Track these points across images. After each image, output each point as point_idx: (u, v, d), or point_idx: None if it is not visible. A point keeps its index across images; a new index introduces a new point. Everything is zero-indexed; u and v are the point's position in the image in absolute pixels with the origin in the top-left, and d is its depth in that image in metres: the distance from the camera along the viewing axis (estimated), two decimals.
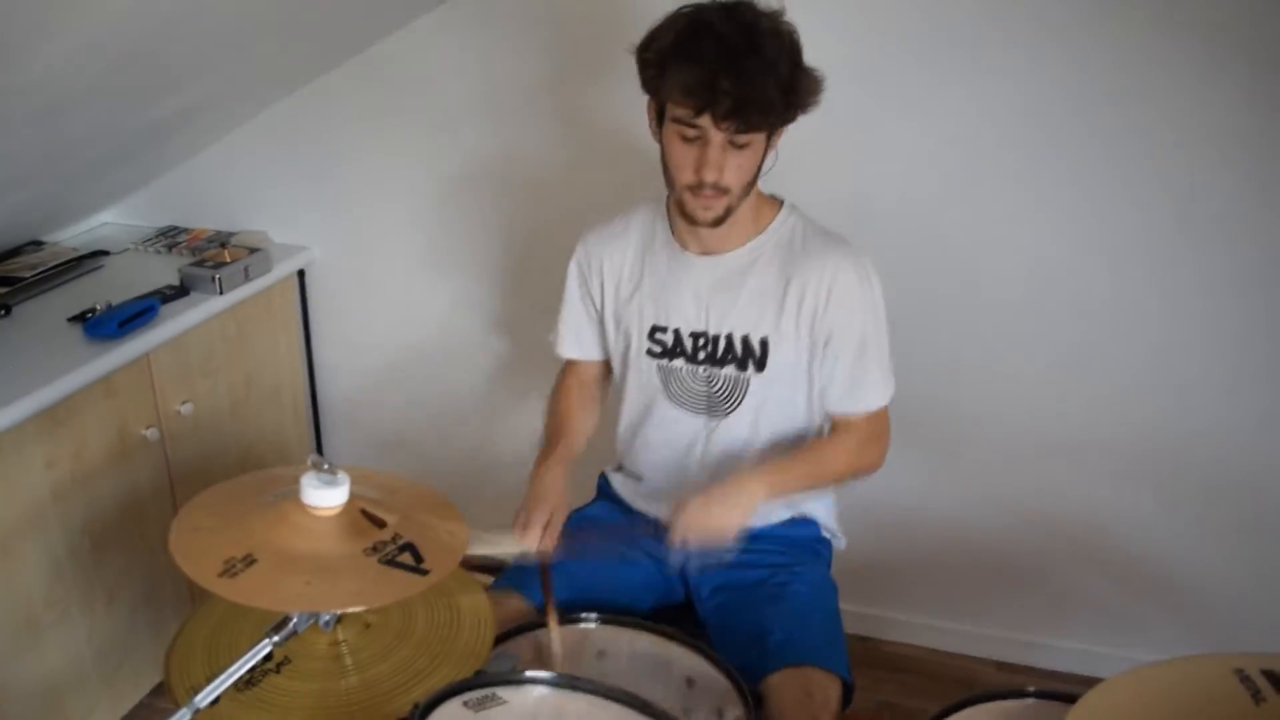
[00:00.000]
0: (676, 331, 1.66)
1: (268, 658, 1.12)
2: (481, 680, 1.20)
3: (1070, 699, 1.40)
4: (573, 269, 1.76)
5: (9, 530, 1.86)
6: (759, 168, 1.51)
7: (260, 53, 2.07)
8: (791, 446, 1.70)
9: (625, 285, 1.71)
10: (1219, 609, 2.32)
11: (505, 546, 1.60)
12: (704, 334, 1.64)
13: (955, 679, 2.46)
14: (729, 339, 1.63)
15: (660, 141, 1.53)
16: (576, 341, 1.81)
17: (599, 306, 1.76)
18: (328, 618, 1.18)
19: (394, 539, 1.13)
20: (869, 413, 1.66)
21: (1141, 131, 1.97)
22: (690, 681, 1.53)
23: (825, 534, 1.81)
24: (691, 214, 1.53)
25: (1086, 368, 2.18)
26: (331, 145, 2.47)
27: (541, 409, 2.55)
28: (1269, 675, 0.99)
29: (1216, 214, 2.00)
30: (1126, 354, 2.15)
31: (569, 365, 1.87)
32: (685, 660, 1.55)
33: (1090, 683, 2.37)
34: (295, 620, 1.08)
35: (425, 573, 1.10)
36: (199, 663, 1.25)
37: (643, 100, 1.53)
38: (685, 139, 1.46)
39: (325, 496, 1.10)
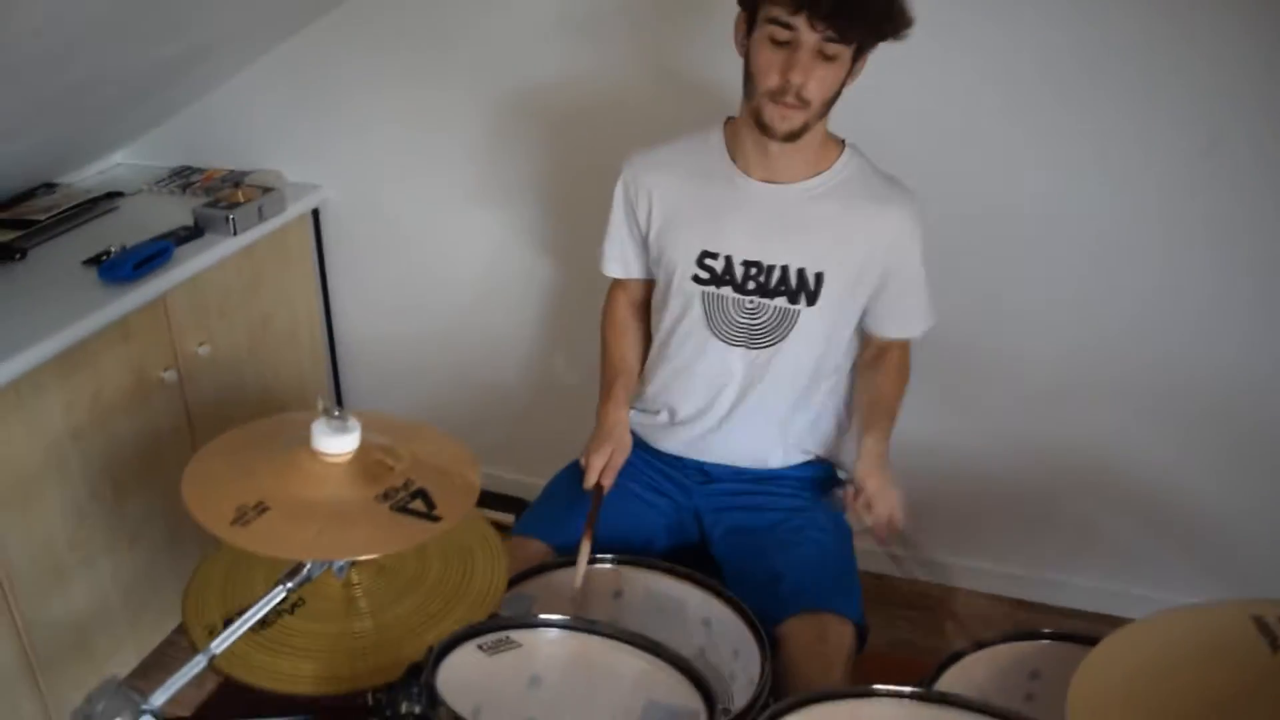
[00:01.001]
0: (729, 259, 1.63)
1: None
2: (496, 623, 1.21)
3: (1085, 640, 1.42)
4: (619, 191, 1.73)
5: (31, 474, 1.87)
6: (838, 89, 1.50)
7: None
8: (825, 379, 1.73)
9: (675, 208, 1.67)
10: (1238, 547, 2.31)
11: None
12: (757, 263, 1.62)
13: (973, 617, 2.45)
14: (784, 270, 1.61)
15: (746, 53, 1.51)
16: (621, 261, 1.80)
17: (644, 229, 1.72)
18: (341, 564, 1.19)
19: (406, 485, 1.13)
20: (908, 338, 1.74)
21: (1158, 70, 1.93)
22: (707, 622, 1.54)
23: (841, 474, 1.81)
24: (769, 123, 1.50)
25: (1103, 305, 2.16)
26: (343, 83, 2.44)
27: (559, 351, 2.57)
28: None
29: (1233, 153, 1.95)
30: (1144, 291, 2.12)
31: (617, 285, 1.86)
32: (702, 602, 1.55)
33: (1107, 620, 2.41)
34: (309, 566, 1.08)
35: (437, 519, 1.10)
36: (215, 603, 1.27)
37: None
38: (775, 42, 1.44)
39: (336, 443, 1.10)
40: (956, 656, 1.42)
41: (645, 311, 1.85)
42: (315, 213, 2.60)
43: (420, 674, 1.12)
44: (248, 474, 1.14)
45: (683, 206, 1.66)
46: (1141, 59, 1.93)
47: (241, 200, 2.32)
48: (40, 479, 1.89)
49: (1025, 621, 2.42)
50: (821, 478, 1.79)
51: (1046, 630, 1.45)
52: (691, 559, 1.73)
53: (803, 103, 1.47)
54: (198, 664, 1.00)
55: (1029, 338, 2.23)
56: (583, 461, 1.67)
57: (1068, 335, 2.21)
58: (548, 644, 1.24)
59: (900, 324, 1.71)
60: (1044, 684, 1.44)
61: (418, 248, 2.61)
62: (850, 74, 1.50)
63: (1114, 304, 2.15)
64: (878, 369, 1.73)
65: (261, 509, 1.08)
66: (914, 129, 2.09)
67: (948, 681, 1.40)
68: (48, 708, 1.98)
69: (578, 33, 2.22)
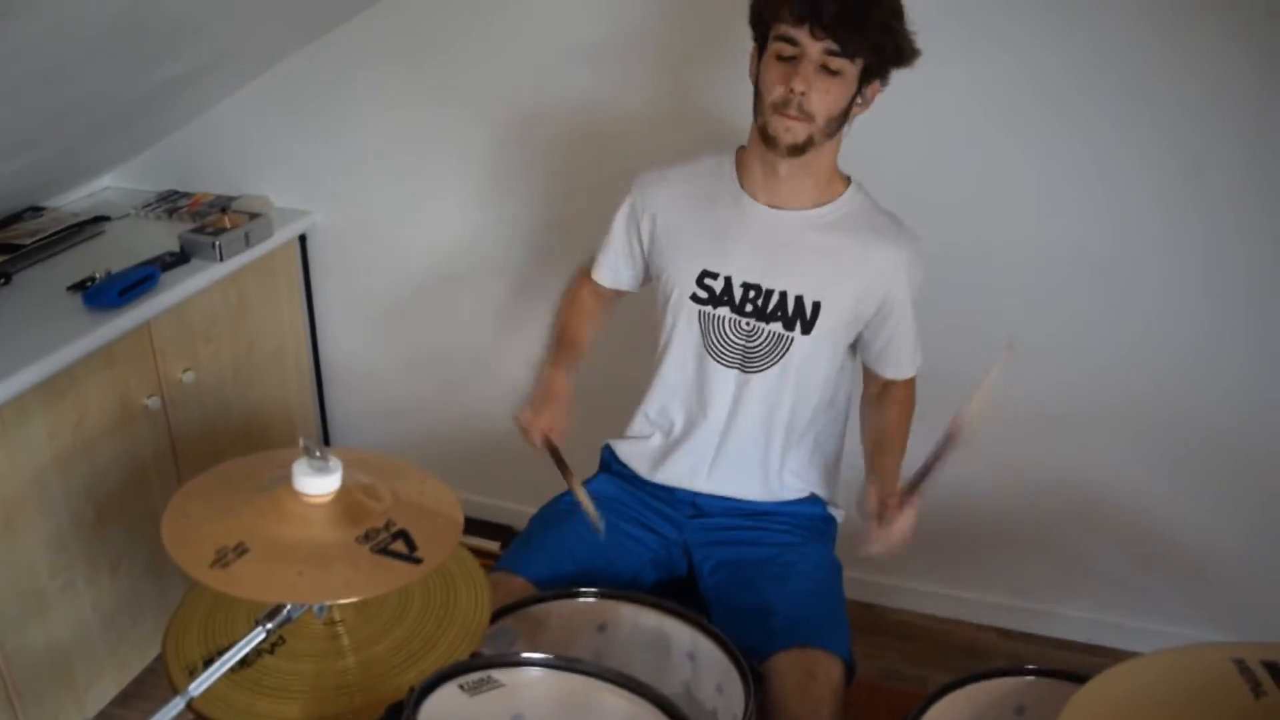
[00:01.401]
0: (728, 279, 1.64)
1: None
2: (477, 663, 1.20)
3: (1070, 676, 1.42)
4: (625, 207, 1.75)
5: (12, 501, 1.86)
6: (845, 110, 1.53)
7: (260, 12, 2.03)
8: (816, 410, 1.73)
9: (679, 227, 1.69)
10: (1225, 580, 2.31)
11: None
12: (756, 286, 1.63)
13: (959, 646, 2.46)
14: (782, 296, 1.62)
15: (757, 78, 1.55)
16: (612, 271, 1.81)
17: (645, 246, 1.74)
18: (320, 606, 1.18)
19: (387, 526, 1.12)
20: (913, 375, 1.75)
21: (1150, 96, 1.94)
22: (691, 656, 1.53)
23: (831, 511, 1.81)
24: (774, 134, 1.52)
25: (1093, 334, 2.16)
26: (333, 109, 2.44)
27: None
28: (1269, 667, 0.98)
29: (1225, 180, 1.96)
30: (1133, 320, 2.13)
31: (589, 279, 1.85)
32: (687, 636, 1.54)
33: (1096, 651, 2.40)
34: (289, 607, 1.07)
35: (419, 561, 1.09)
36: (196, 642, 1.25)
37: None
38: (781, 58, 1.49)
39: (317, 484, 1.09)
40: (942, 692, 1.41)
41: (608, 306, 1.87)
42: (302, 238, 2.59)
43: (401, 715, 1.11)
44: (228, 514, 1.13)
45: (687, 225, 1.68)
46: (1133, 83, 1.94)
47: (228, 226, 2.32)
48: (22, 506, 1.88)
49: (1013, 651, 2.43)
50: (814, 515, 1.78)
51: (1031, 666, 1.45)
52: (679, 594, 1.72)
53: (806, 115, 1.49)
54: (175, 706, 0.98)
55: (1018, 366, 2.23)
56: (521, 419, 1.67)
57: (1058, 364, 2.21)
58: (531, 683, 1.23)
59: (896, 364, 1.72)
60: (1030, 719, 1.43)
61: (406, 274, 2.61)
62: (859, 98, 1.54)
63: (1106, 333, 2.16)
64: (882, 406, 1.75)
65: (241, 550, 1.06)
66: (902, 154, 2.10)
67: (933, 717, 1.39)
68: None
69: (575, 58, 2.23)
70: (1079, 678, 1.41)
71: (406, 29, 2.30)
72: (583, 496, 1.59)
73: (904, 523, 1.55)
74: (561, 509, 1.78)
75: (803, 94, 1.48)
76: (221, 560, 1.05)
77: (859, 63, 1.48)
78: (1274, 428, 2.14)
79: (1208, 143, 1.94)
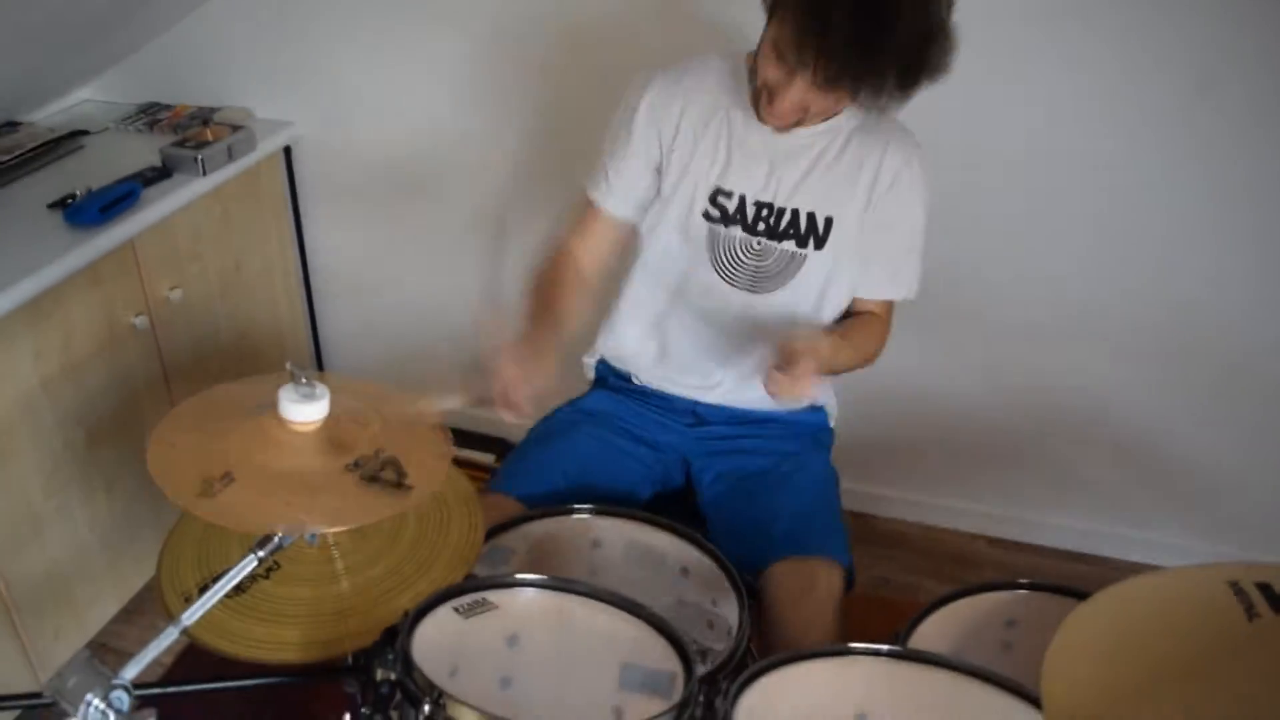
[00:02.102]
0: (742, 198, 1.59)
1: None
2: (471, 585, 1.20)
3: (1060, 590, 1.43)
4: (642, 111, 1.59)
5: (1, 424, 1.84)
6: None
7: None
8: (827, 317, 1.67)
9: (697, 139, 1.59)
10: (1212, 490, 2.34)
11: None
12: (769, 205, 1.58)
13: (949, 555, 2.49)
14: (794, 214, 1.57)
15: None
16: (625, 196, 1.64)
17: (662, 157, 1.62)
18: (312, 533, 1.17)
19: (376, 454, 1.11)
20: (888, 302, 1.67)
21: (1146, 25, 1.89)
22: (685, 571, 1.54)
23: (831, 421, 1.81)
24: (763, 119, 1.48)
25: (1087, 249, 2.14)
26: (315, 13, 2.37)
27: None
28: (1263, 588, 0.97)
29: (1232, 98, 1.92)
30: (1127, 236, 2.11)
31: (593, 220, 1.67)
32: (680, 550, 1.55)
33: (1084, 559, 2.43)
34: (280, 534, 1.06)
35: (408, 489, 1.08)
36: (190, 568, 1.26)
37: None
38: (779, 56, 1.37)
39: (303, 411, 1.07)
40: (934, 606, 1.43)
41: (607, 260, 1.72)
42: (287, 150, 2.54)
43: (396, 638, 1.12)
44: (214, 441, 1.12)
45: (705, 137, 1.58)
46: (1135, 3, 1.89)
47: (210, 139, 2.27)
48: (11, 429, 1.87)
49: (1003, 560, 2.46)
50: (816, 424, 1.78)
51: (1023, 580, 1.46)
52: (675, 505, 1.73)
53: (796, 121, 1.46)
54: (169, 635, 0.98)
55: (1009, 282, 2.22)
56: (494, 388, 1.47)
57: (1049, 280, 2.20)
58: (524, 603, 1.24)
59: (894, 281, 1.64)
60: (1020, 632, 1.45)
61: (392, 184, 2.56)
62: None
63: (1095, 248, 2.13)
64: (858, 318, 1.67)
65: (228, 479, 1.05)
66: None
67: (925, 631, 1.40)
68: (30, 659, 1.98)
69: None
70: (1069, 592, 1.43)
71: None
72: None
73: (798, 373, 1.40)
74: (555, 425, 1.77)
75: (794, 119, 1.44)
76: (208, 490, 1.04)
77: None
78: (1272, 347, 2.13)
79: (1215, 60, 1.89)
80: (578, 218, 1.70)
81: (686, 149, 1.60)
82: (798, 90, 1.38)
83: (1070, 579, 2.35)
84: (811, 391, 1.42)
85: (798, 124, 1.47)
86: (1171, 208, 2.06)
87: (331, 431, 1.11)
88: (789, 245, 1.59)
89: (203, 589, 1.20)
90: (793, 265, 1.60)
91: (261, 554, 1.04)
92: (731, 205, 1.59)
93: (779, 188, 1.57)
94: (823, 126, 1.55)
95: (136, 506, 2.19)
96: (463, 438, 2.79)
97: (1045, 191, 2.10)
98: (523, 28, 2.23)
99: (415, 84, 2.40)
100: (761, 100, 1.46)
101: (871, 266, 1.63)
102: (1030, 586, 1.45)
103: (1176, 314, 2.15)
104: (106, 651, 2.17)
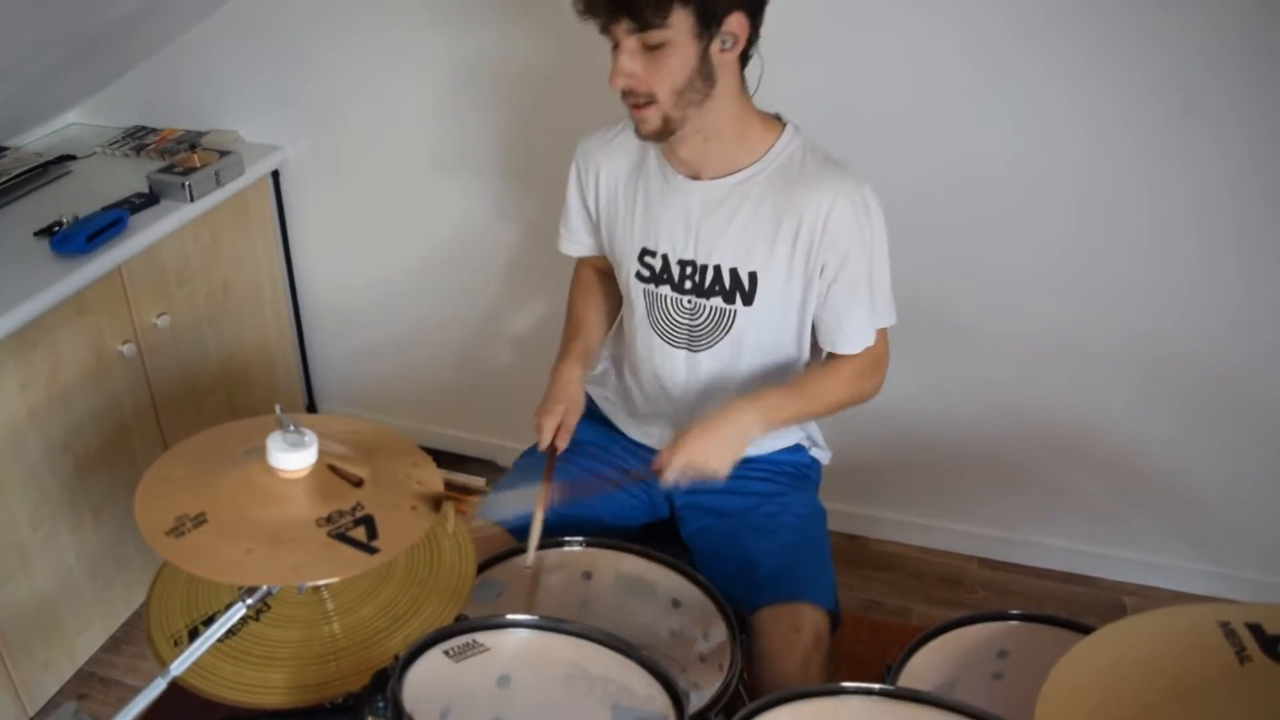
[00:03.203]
0: (665, 257, 1.58)
1: None
2: (462, 627, 1.19)
3: (1052, 621, 1.43)
4: (572, 174, 1.68)
5: None
6: (699, 70, 1.38)
7: None
8: (776, 379, 1.65)
9: (620, 200, 1.62)
10: (1204, 511, 2.34)
11: (521, 504, 1.57)
12: (692, 263, 1.57)
13: (941, 577, 2.49)
14: (717, 270, 1.55)
15: None
16: (579, 244, 1.76)
17: (594, 215, 1.68)
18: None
19: (353, 510, 1.09)
20: (861, 352, 1.60)
21: (1134, 30, 1.88)
22: (676, 603, 1.54)
23: (814, 455, 1.79)
24: (636, 128, 1.46)
25: (1077, 270, 2.14)
26: (303, 38, 2.36)
27: (527, 310, 2.54)
28: (1254, 630, 0.98)
29: (1208, 116, 1.92)
30: (1117, 256, 2.10)
31: (581, 259, 1.82)
32: (671, 582, 1.55)
33: (1075, 580, 2.43)
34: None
35: (374, 551, 1.06)
36: (180, 609, 1.24)
37: None
38: (613, 49, 1.40)
39: (288, 459, 1.07)
40: (926, 638, 1.43)
41: (612, 279, 1.78)
42: (275, 174, 2.53)
43: (386, 683, 1.11)
44: (203, 481, 1.11)
45: (624, 199, 1.62)
46: (1115, 19, 1.89)
47: (198, 165, 2.26)
48: None
49: (995, 581, 2.46)
50: (797, 462, 1.76)
51: (1015, 611, 1.46)
52: (665, 537, 1.73)
53: (646, 98, 1.40)
54: (158, 686, 0.98)
55: (1000, 302, 2.22)
56: (536, 420, 1.62)
57: (1039, 300, 2.19)
58: (515, 644, 1.23)
59: (842, 332, 1.57)
60: (1012, 662, 1.45)
61: (382, 207, 2.55)
62: (721, 49, 1.39)
63: (1085, 270, 2.13)
64: (826, 364, 1.65)
65: (200, 520, 1.04)
66: (886, 94, 2.06)
67: (918, 661, 1.40)
68: (16, 689, 1.97)
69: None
70: (1061, 623, 1.43)
71: None
72: (538, 519, 1.49)
73: (688, 456, 1.46)
74: (540, 458, 1.77)
75: (629, 85, 1.39)
76: (178, 529, 1.03)
77: (681, 20, 1.33)
78: (1256, 364, 2.14)
79: (1199, 81, 1.90)
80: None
81: (609, 210, 1.64)
82: (624, 56, 1.37)
83: (1062, 600, 2.38)
84: (721, 472, 1.48)
85: (667, 124, 1.42)
86: (1165, 237, 2.06)
87: (318, 480, 1.10)
88: (717, 301, 1.57)
89: (192, 632, 1.20)
90: (724, 321, 1.59)
91: (250, 601, 1.03)
92: (657, 264, 1.60)
93: (699, 244, 1.55)
94: (739, 175, 1.52)
95: (124, 535, 2.18)
96: (453, 460, 2.79)
97: (1032, 211, 2.10)
98: (512, 47, 2.23)
99: (403, 107, 2.39)
100: (630, 111, 1.45)
101: (820, 320, 1.58)
102: (1022, 618, 1.45)
103: (1166, 333, 2.15)
104: (94, 681, 2.15)
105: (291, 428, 1.06)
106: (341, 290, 2.71)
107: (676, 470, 1.47)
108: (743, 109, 1.49)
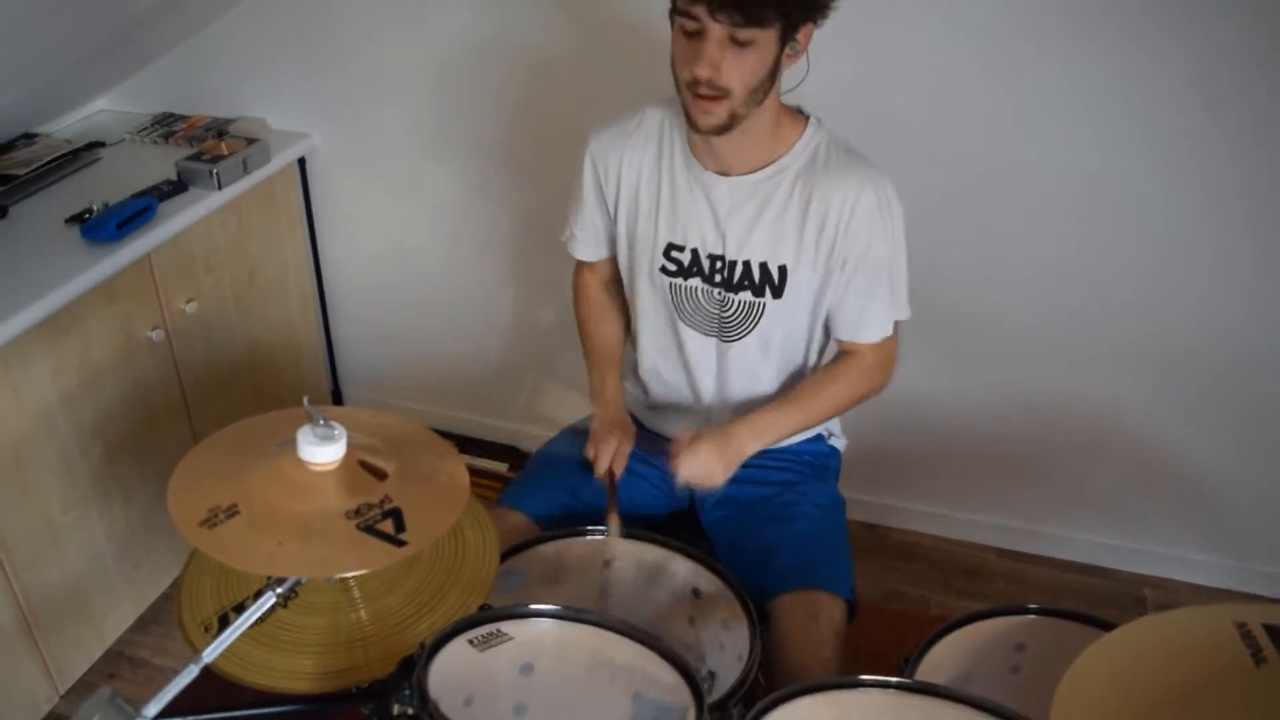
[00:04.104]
0: (694, 251, 1.59)
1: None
2: (486, 616, 1.22)
3: (1069, 615, 1.44)
4: (586, 168, 1.66)
5: (20, 440, 1.87)
6: (771, 73, 1.40)
7: None
8: (796, 368, 1.67)
9: (642, 194, 1.62)
10: (1223, 505, 2.34)
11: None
12: (721, 257, 1.58)
13: (960, 567, 2.49)
14: (746, 265, 1.56)
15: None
16: (594, 244, 1.74)
17: (613, 210, 1.67)
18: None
19: (382, 503, 1.11)
20: (875, 342, 1.62)
21: (1150, 29, 1.88)
22: (696, 592, 1.56)
23: (833, 443, 1.81)
24: (693, 119, 1.44)
25: (1096, 264, 2.14)
26: (329, 26, 2.38)
27: (551, 297, 2.55)
28: (1270, 631, 0.99)
29: (1221, 109, 1.92)
30: (1136, 247, 2.10)
31: (585, 265, 1.80)
32: (691, 571, 1.56)
33: (1094, 572, 2.43)
34: None
35: (401, 544, 1.07)
36: (210, 596, 1.27)
37: None
38: (686, 32, 1.38)
39: (318, 453, 1.09)
40: (944, 631, 1.44)
41: (618, 286, 1.79)
42: (301, 162, 2.55)
43: (412, 670, 1.13)
44: (235, 473, 1.14)
45: (648, 193, 1.61)
46: (1132, 18, 1.88)
47: (225, 153, 2.28)
48: (30, 444, 1.89)
49: (1013, 571, 2.47)
50: (816, 451, 1.78)
51: (1032, 605, 1.47)
52: (687, 525, 1.75)
53: (720, 92, 1.39)
54: (190, 673, 1.00)
55: (1021, 293, 2.22)
56: (589, 453, 1.64)
57: (1060, 291, 2.19)
58: (538, 633, 1.25)
59: (860, 324, 1.60)
60: (1029, 656, 1.46)
61: (407, 194, 2.57)
62: (787, 54, 1.40)
63: (1105, 261, 2.13)
64: (832, 366, 1.65)
65: (232, 512, 1.07)
66: (903, 88, 2.06)
67: (936, 655, 1.41)
68: (48, 666, 2.01)
69: None
70: (1078, 617, 1.44)
71: None
72: (615, 529, 1.57)
73: (689, 468, 1.51)
74: (566, 445, 1.78)
75: (710, 77, 1.37)
76: (211, 520, 1.06)
77: (774, 26, 1.35)
78: (1275, 358, 2.13)
79: (1216, 78, 1.89)
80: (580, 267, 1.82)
81: (629, 205, 1.64)
82: (712, 46, 1.35)
83: (1081, 592, 2.39)
84: (718, 480, 1.52)
85: (732, 119, 1.42)
86: (1185, 231, 2.06)
87: (347, 473, 1.12)
88: (746, 295, 1.59)
89: (222, 618, 1.23)
90: (754, 314, 1.60)
91: (280, 590, 1.05)
92: (686, 259, 1.60)
93: (728, 240, 1.56)
94: (765, 171, 1.53)
95: (153, 517, 2.22)
96: (476, 446, 2.82)
97: (1050, 207, 2.10)
98: (542, 37, 2.24)
99: (429, 95, 2.40)
100: (688, 98, 1.43)
101: (838, 311, 1.60)
102: (1040, 611, 1.46)
103: (1185, 327, 2.15)
104: (123, 660, 2.20)
105: (321, 421, 1.08)
106: (366, 276, 2.73)
107: (685, 464, 1.51)
108: (777, 106, 1.50)
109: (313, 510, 1.09)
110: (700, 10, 1.33)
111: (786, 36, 1.38)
